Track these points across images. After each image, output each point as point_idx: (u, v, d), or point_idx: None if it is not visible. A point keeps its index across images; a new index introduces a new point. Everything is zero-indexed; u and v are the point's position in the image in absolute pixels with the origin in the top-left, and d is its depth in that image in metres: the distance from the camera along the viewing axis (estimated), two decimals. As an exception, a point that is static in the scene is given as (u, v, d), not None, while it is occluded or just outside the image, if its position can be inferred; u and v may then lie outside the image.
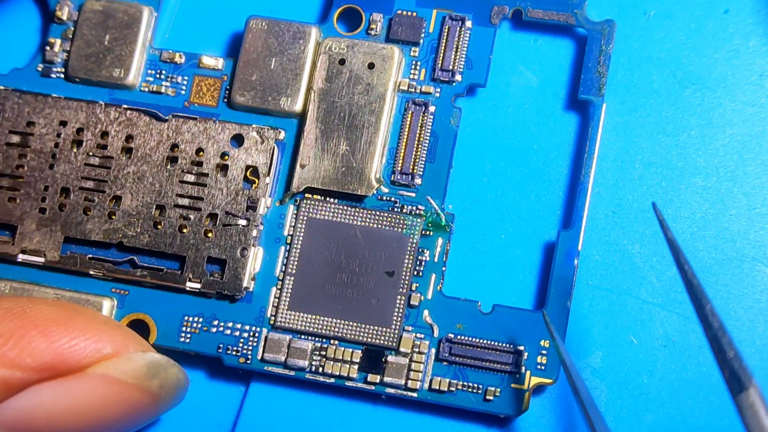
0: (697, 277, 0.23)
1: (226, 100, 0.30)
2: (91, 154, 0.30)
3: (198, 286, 0.29)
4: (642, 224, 0.29)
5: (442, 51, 0.30)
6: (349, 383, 0.28)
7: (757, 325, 0.28)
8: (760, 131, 0.29)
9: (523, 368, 0.28)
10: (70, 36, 0.31)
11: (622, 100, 0.30)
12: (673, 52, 0.30)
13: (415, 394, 0.28)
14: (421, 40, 0.30)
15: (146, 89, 0.31)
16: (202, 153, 0.30)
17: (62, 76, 0.31)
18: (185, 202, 0.29)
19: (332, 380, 0.28)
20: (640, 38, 0.30)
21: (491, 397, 0.28)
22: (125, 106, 0.30)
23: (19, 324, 0.24)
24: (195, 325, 0.29)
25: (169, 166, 0.30)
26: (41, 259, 0.30)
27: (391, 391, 0.28)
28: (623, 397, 0.28)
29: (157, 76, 0.31)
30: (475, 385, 0.28)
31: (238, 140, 0.30)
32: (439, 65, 0.30)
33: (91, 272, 0.29)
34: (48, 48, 0.31)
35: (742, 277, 0.28)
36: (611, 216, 0.29)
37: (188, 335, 0.29)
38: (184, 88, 0.31)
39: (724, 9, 0.30)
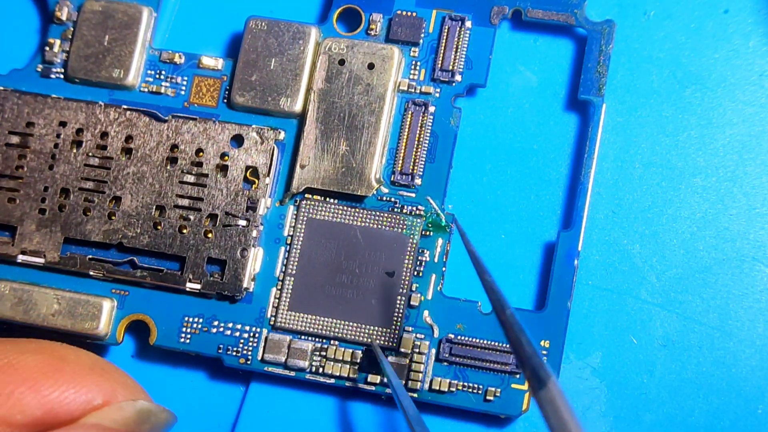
0: (496, 283, 0.23)
1: (225, 100, 0.30)
2: (90, 154, 0.30)
3: (198, 286, 0.29)
4: (642, 224, 0.29)
5: (442, 51, 0.30)
6: (349, 383, 0.28)
7: (757, 325, 0.28)
8: (760, 131, 0.29)
9: (524, 368, 0.28)
10: (70, 36, 0.31)
11: (622, 100, 0.30)
12: (673, 52, 0.30)
13: (415, 395, 0.28)
14: (421, 41, 0.30)
15: (146, 90, 0.31)
16: (201, 153, 0.30)
17: (62, 76, 0.31)
18: (185, 202, 0.29)
19: (332, 380, 0.28)
20: (640, 38, 0.30)
21: (491, 398, 0.28)
22: (125, 107, 0.30)
23: (6, 380, 0.23)
24: (195, 325, 0.29)
25: (168, 167, 0.30)
26: (41, 260, 0.30)
27: (392, 391, 0.28)
28: (623, 397, 0.28)
29: (157, 76, 0.31)
30: (476, 386, 0.28)
31: (237, 141, 0.30)
32: (439, 65, 0.30)
33: (91, 273, 0.29)
34: (47, 48, 0.31)
35: (742, 277, 0.28)
36: (611, 216, 0.29)
37: (188, 336, 0.29)
38: (183, 88, 0.31)
39: (724, 9, 0.30)
